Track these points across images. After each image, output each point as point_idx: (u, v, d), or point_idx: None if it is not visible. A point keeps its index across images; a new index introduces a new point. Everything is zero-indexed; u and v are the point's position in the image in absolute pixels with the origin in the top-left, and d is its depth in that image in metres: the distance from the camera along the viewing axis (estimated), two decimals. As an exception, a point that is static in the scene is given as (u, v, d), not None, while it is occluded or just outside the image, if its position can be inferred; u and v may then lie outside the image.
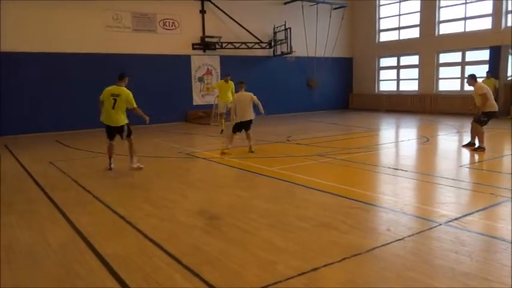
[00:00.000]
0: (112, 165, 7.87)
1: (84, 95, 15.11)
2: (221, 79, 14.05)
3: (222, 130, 13.12)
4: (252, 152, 9.32)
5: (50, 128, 14.52)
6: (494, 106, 9.13)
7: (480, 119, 9.12)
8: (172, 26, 17.00)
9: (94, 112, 14.96)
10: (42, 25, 14.29)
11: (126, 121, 7.73)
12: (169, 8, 16.75)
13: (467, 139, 9.88)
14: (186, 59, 17.47)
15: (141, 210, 5.26)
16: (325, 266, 3.48)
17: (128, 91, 7.65)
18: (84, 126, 14.98)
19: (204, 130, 14.48)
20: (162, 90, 16.69)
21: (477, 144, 9.18)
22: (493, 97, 9.21)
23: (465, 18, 17.79)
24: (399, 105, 20.24)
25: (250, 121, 9.43)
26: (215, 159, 8.81)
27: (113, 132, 7.75)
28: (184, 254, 3.81)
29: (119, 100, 7.49)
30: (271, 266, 3.53)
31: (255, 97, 9.39)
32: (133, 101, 7.65)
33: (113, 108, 7.52)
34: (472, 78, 9.42)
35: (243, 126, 9.42)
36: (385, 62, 21.64)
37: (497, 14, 16.47)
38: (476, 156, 8.82)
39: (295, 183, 6.44)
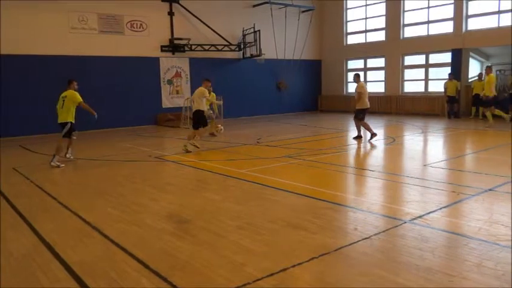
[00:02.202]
0: (68, 155, 9.08)
1: (48, 98, 14.66)
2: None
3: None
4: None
5: (13, 132, 14.03)
6: (366, 104, 10.85)
7: (357, 115, 10.80)
8: (140, 27, 16.78)
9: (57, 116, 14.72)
10: (5, 26, 13.80)
11: (70, 120, 8.74)
12: (137, 9, 16.53)
13: (432, 138, 10.21)
14: (155, 61, 17.27)
15: (109, 216, 5.16)
16: (293, 266, 3.52)
17: (73, 91, 8.81)
18: (49, 130, 14.53)
19: (173, 133, 14.35)
20: (130, 92, 16.44)
21: (369, 135, 10.81)
22: (367, 97, 10.97)
23: (428, 22, 18.37)
24: (367, 106, 20.63)
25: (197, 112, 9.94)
26: (185, 163, 8.75)
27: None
28: (153, 258, 3.77)
29: (66, 100, 8.68)
30: (241, 268, 3.54)
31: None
32: (78, 97, 8.74)
33: (62, 107, 8.72)
34: (357, 77, 11.35)
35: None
36: (352, 64, 22.05)
37: (458, 18, 17.09)
38: (441, 156, 9.13)
39: (264, 185, 6.47)
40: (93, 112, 8.84)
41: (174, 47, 17.50)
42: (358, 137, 11.09)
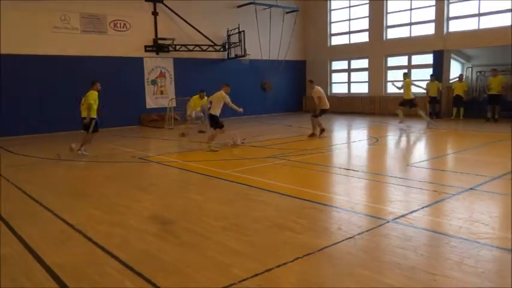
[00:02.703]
0: (82, 150, 9.88)
1: (30, 99, 14.48)
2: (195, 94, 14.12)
3: (183, 134, 13.22)
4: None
5: (-8, 133, 13.77)
6: (327, 105, 11.84)
7: (316, 114, 11.86)
8: (123, 27, 16.61)
9: (40, 117, 14.50)
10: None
11: (90, 116, 9.68)
12: (120, 9, 16.36)
13: (414, 139, 10.32)
14: (139, 61, 17.13)
15: (92, 218, 5.10)
16: (278, 266, 3.53)
17: (91, 92, 9.73)
18: (30, 131, 14.36)
19: (158, 133, 14.24)
20: (113, 93, 16.19)
21: (318, 133, 11.92)
22: (326, 98, 11.91)
23: (410, 24, 18.63)
24: (350, 107, 20.85)
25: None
26: (169, 163, 8.69)
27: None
28: (137, 260, 3.74)
29: (85, 98, 9.75)
30: (226, 268, 3.54)
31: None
32: (90, 99, 9.63)
33: (83, 104, 9.83)
34: (311, 83, 12.27)
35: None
36: (336, 65, 22.22)
37: (439, 20, 17.37)
38: (423, 156, 9.26)
39: (249, 186, 6.48)
40: (100, 112, 10.05)
41: (158, 47, 17.39)
42: (313, 134, 12.04)
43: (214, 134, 10.24)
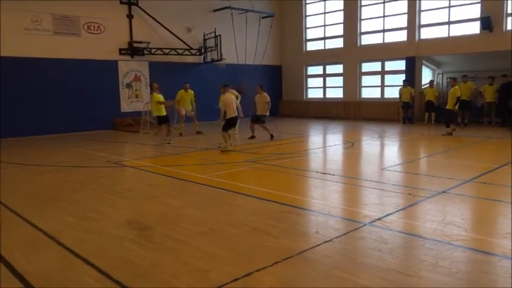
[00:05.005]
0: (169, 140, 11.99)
1: (2, 101, 14.03)
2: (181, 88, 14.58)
3: (181, 133, 14.14)
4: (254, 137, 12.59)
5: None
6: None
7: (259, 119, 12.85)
8: (97, 30, 16.33)
9: (9, 120, 14.05)
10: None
11: (158, 114, 11.82)
12: (94, 11, 16.07)
13: (388, 143, 10.52)
14: (113, 64, 16.86)
15: (65, 224, 4.97)
16: (257, 270, 3.53)
17: (153, 94, 11.94)
18: (3, 134, 13.90)
19: (133, 138, 14.04)
20: (87, 96, 15.94)
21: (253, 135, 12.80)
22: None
23: (384, 31, 19.04)
24: (326, 111, 21.10)
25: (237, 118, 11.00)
26: (145, 168, 8.58)
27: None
28: (114, 267, 3.66)
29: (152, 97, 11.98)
30: (204, 274, 3.51)
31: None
32: (154, 100, 11.77)
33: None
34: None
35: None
36: (312, 70, 22.47)
37: (411, 27, 17.82)
38: (397, 160, 9.45)
39: (226, 190, 6.46)
40: (167, 103, 11.98)
41: (133, 50, 17.16)
42: (253, 137, 12.74)
43: (226, 135, 10.40)
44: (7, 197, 6.26)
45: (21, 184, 7.36)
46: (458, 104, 12.67)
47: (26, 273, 3.59)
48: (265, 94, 13.01)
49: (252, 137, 12.82)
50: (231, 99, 10.91)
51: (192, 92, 14.61)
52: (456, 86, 12.89)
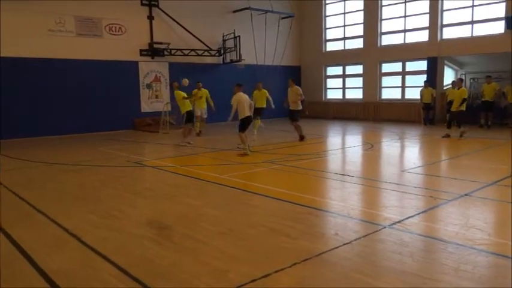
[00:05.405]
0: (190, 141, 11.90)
1: (25, 102, 14.39)
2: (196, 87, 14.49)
3: (198, 133, 14.16)
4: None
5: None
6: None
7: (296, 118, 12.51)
8: (119, 31, 16.59)
9: (34, 120, 14.40)
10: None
11: (186, 110, 11.87)
12: (116, 13, 16.34)
13: (409, 145, 10.37)
14: (134, 65, 17.10)
15: (87, 222, 5.07)
16: (276, 272, 3.53)
17: (175, 92, 11.98)
18: (24, 134, 14.25)
19: (152, 138, 14.20)
20: (108, 97, 16.21)
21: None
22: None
23: (405, 31, 18.78)
24: (345, 112, 20.94)
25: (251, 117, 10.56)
26: (164, 168, 8.67)
27: None
28: (133, 265, 3.72)
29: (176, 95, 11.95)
30: (223, 274, 3.53)
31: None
32: (178, 97, 11.81)
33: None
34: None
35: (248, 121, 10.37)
36: (331, 70, 22.32)
37: (433, 27, 17.53)
38: (418, 162, 9.31)
39: (245, 190, 6.48)
40: (192, 97, 12.45)
41: (153, 51, 17.37)
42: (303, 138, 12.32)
43: (243, 136, 10.20)
44: (35, 195, 6.42)
45: (47, 183, 7.52)
46: (464, 104, 12.40)
47: (49, 270, 3.66)
48: (297, 87, 12.83)
49: (301, 138, 12.30)
50: (243, 99, 10.54)
51: (206, 90, 14.59)
52: (463, 87, 12.65)
